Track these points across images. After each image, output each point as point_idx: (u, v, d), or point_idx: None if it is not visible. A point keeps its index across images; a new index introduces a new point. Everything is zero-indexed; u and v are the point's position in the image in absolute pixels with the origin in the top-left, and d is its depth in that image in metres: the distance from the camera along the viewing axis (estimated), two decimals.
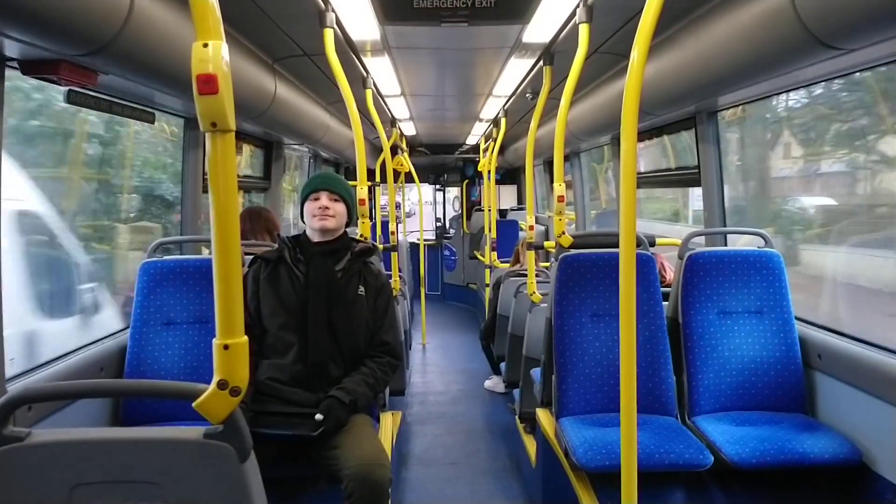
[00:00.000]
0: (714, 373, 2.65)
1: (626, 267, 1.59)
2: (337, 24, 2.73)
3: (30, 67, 1.89)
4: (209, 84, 1.10)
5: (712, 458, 2.25)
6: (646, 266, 2.69)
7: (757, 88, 2.70)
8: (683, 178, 3.99)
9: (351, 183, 2.62)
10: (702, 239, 3.48)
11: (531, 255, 3.78)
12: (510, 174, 10.06)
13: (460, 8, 2.72)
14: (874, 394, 2.21)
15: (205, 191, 3.33)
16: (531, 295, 3.70)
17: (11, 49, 1.76)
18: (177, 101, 2.81)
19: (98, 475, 1.19)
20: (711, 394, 2.63)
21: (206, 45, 1.11)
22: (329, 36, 2.65)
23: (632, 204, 1.60)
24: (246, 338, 1.20)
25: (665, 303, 2.81)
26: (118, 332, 2.76)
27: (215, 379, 1.16)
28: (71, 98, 2.31)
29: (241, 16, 2.74)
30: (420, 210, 8.55)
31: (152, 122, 2.95)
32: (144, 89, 2.50)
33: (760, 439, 2.28)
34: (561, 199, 3.02)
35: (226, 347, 1.17)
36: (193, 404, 1.16)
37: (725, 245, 3.39)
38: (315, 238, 2.42)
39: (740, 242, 3.53)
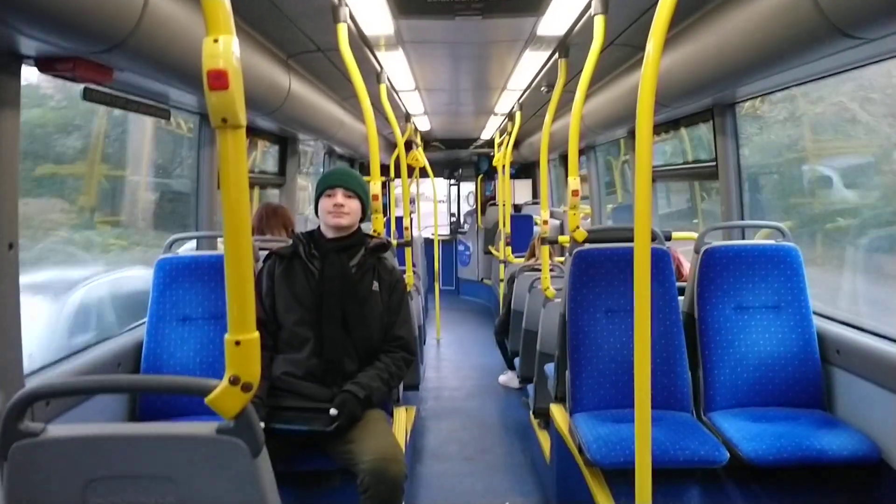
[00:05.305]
0: (730, 368, 2.62)
1: (641, 262, 1.57)
2: (350, 18, 2.73)
3: (46, 65, 1.90)
4: (220, 79, 1.10)
5: (728, 455, 2.23)
6: (661, 261, 2.66)
7: (775, 80, 2.66)
8: (700, 172, 3.94)
9: (365, 178, 2.62)
10: (718, 233, 3.44)
11: (545, 250, 3.77)
12: (525, 169, 10.03)
13: (474, 1, 2.71)
14: (894, 390, 2.17)
15: (220, 186, 3.35)
16: (545, 290, 3.68)
17: (28, 47, 1.78)
18: (191, 97, 2.82)
19: (112, 470, 1.20)
20: (727, 390, 2.61)
21: (216, 41, 1.11)
22: (342, 31, 2.65)
23: (647, 198, 1.59)
24: (257, 334, 1.20)
25: (680, 297, 2.78)
26: (134, 326, 2.79)
27: (227, 375, 1.17)
28: (87, 95, 2.33)
29: (256, 12, 2.75)
30: (434, 205, 8.55)
31: (168, 119, 2.97)
32: (159, 86, 2.52)
33: (777, 436, 2.25)
34: (575, 193, 3.00)
35: (237, 343, 1.17)
36: (206, 400, 1.17)
37: (743, 239, 3.35)
38: (329, 234, 2.42)
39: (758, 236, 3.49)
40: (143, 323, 2.65)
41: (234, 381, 1.16)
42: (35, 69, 1.93)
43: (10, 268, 1.84)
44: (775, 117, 3.59)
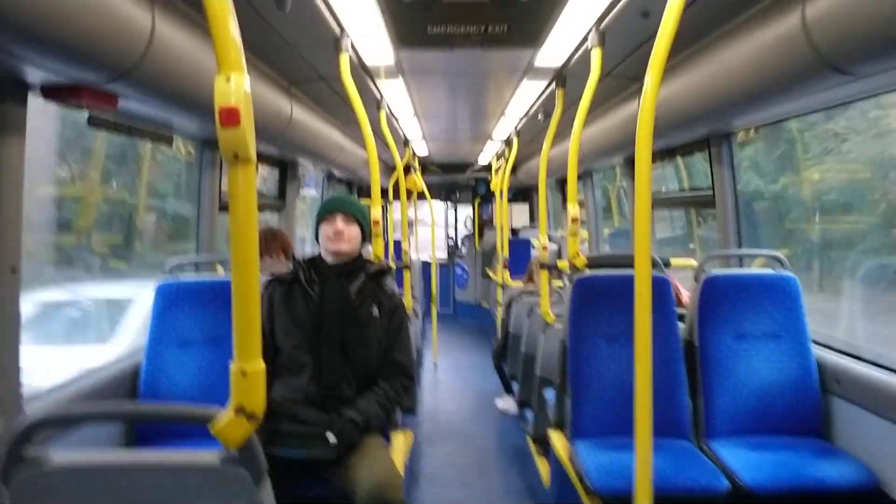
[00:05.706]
0: (730, 396, 2.62)
1: (642, 289, 1.59)
2: (352, 49, 2.78)
3: (52, 93, 1.93)
4: (232, 116, 1.11)
5: (728, 484, 2.23)
6: (661, 289, 2.68)
7: (770, 112, 2.71)
8: (697, 200, 3.98)
9: (364, 201, 2.65)
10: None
11: (544, 274, 3.78)
12: (522, 193, 10.08)
13: (473, 34, 2.76)
14: (893, 419, 2.18)
15: (221, 210, 3.37)
16: (545, 315, 3.69)
17: (34, 75, 1.80)
18: (193, 123, 2.85)
19: (115, 498, 1.20)
20: (727, 417, 2.61)
21: (228, 79, 1.13)
22: (344, 60, 2.70)
23: (646, 227, 1.61)
24: (263, 364, 1.21)
25: (680, 324, 2.80)
26: (133, 351, 2.78)
27: (232, 405, 1.17)
28: (91, 121, 2.36)
29: (260, 41, 2.80)
30: (432, 229, 8.58)
31: (170, 145, 3.00)
32: (162, 113, 2.55)
33: (777, 464, 2.25)
34: (575, 220, 3.03)
35: (243, 374, 1.18)
36: (211, 431, 1.17)
37: (741, 266, 3.37)
38: (329, 260, 2.43)
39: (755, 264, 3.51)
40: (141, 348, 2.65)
41: (239, 412, 1.17)
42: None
43: (12, 292, 1.84)
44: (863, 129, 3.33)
